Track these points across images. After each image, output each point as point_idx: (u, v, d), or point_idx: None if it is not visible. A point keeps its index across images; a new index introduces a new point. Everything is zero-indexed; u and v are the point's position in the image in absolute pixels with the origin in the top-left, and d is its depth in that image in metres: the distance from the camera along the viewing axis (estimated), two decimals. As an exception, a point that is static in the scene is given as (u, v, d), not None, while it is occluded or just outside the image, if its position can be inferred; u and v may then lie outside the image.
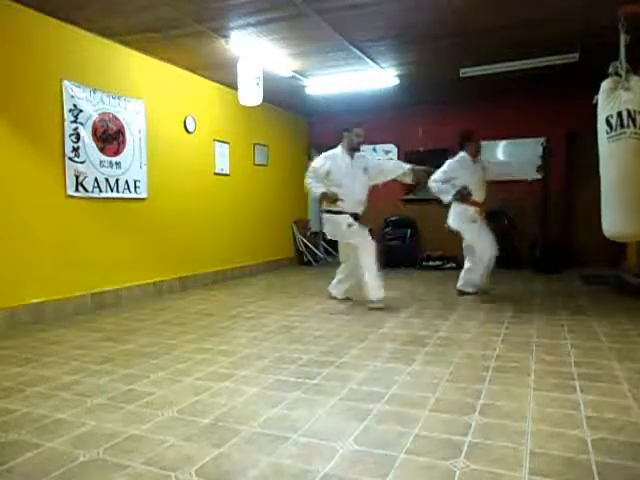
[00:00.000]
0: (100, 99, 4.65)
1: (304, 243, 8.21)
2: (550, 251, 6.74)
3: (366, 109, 7.66)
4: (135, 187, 5.06)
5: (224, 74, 5.87)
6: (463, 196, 4.79)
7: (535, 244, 6.85)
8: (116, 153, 4.83)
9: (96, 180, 4.60)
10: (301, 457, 1.80)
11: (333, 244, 8.40)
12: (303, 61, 5.52)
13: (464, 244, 5.13)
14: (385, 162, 5.08)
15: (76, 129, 4.41)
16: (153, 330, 3.81)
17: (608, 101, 2.95)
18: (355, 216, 4.56)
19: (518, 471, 1.68)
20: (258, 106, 5.47)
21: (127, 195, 4.96)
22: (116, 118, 4.82)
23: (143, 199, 5.18)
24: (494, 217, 5.92)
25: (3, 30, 3.87)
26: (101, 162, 4.65)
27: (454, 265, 7.21)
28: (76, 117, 4.41)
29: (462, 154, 4.97)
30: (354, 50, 5.08)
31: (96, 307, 4.60)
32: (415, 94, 7.10)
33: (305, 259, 8.21)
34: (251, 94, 5.06)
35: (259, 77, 5.06)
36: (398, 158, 8.02)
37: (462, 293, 5.13)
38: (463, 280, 5.15)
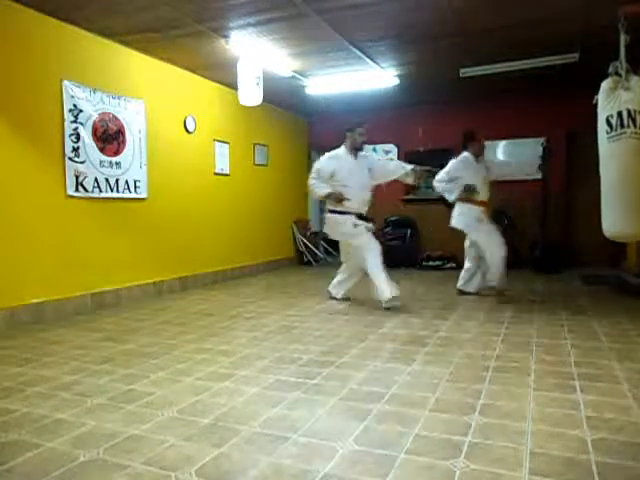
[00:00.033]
0: (100, 99, 4.65)
1: (304, 243, 8.21)
2: (550, 251, 6.74)
3: (366, 109, 7.67)
4: (135, 187, 5.06)
5: (224, 74, 5.87)
6: (468, 194, 4.77)
7: (535, 244, 6.85)
8: (116, 153, 4.83)
9: (96, 180, 4.60)
10: (301, 457, 1.80)
11: (333, 244, 8.40)
12: (303, 61, 5.52)
13: (466, 244, 5.12)
14: (387, 162, 5.06)
15: (76, 129, 4.42)
16: (153, 330, 3.81)
17: (608, 101, 2.95)
18: (360, 216, 4.54)
19: (518, 471, 1.68)
20: (258, 106, 5.47)
21: (127, 195, 4.96)
22: (116, 118, 4.83)
23: (143, 199, 5.18)
24: (494, 217, 5.91)
25: (3, 30, 3.87)
26: (101, 162, 4.65)
27: (454, 265, 7.22)
28: (76, 117, 4.41)
29: (465, 154, 4.97)
30: (354, 50, 5.08)
31: (96, 307, 4.60)
32: (415, 94, 7.10)
33: (305, 259, 8.21)
34: (251, 94, 5.06)
35: (259, 77, 5.06)
36: (398, 158, 8.01)
37: (462, 293, 5.14)
38: (463, 280, 5.16)
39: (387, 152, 8.08)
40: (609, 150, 2.97)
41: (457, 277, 5.25)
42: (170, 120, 5.61)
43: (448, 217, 5.12)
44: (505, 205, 7.00)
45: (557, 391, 2.43)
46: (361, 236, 4.47)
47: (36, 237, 4.10)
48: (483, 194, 4.91)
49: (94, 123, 4.59)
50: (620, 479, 1.63)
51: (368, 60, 5.43)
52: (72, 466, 1.77)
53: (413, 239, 7.75)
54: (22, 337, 3.62)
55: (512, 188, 6.87)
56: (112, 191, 4.77)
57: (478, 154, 4.99)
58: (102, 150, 4.67)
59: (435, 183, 4.97)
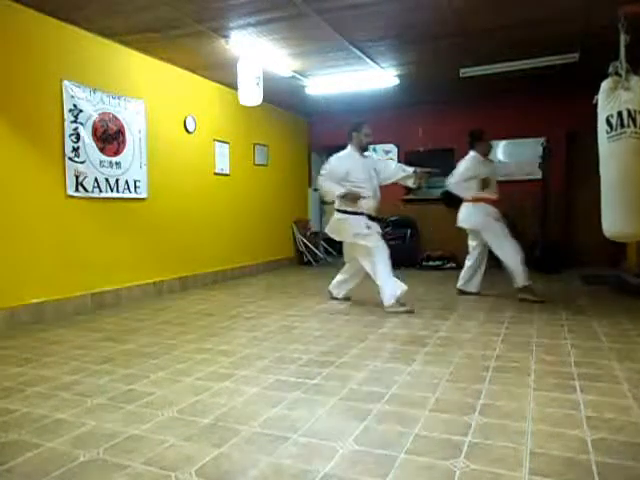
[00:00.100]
0: (100, 99, 4.65)
1: (304, 243, 8.21)
2: (550, 251, 6.74)
3: (366, 109, 7.67)
4: (135, 187, 5.06)
5: (224, 74, 5.87)
6: (485, 185, 4.77)
7: (535, 244, 6.85)
8: (116, 153, 4.83)
9: (96, 180, 4.60)
10: (301, 457, 1.80)
11: (333, 244, 8.42)
12: (303, 61, 5.52)
13: (472, 243, 5.08)
14: (389, 163, 5.04)
15: (76, 129, 4.42)
16: (153, 330, 3.81)
17: (608, 101, 2.95)
18: (370, 217, 4.49)
19: (518, 471, 1.68)
20: (258, 106, 5.47)
21: (127, 195, 4.96)
22: (116, 118, 4.83)
23: (143, 199, 5.18)
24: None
25: (3, 30, 3.87)
26: (101, 162, 4.66)
27: (454, 265, 7.22)
28: (76, 117, 4.41)
29: (473, 153, 4.96)
30: (354, 50, 5.08)
31: (96, 307, 4.60)
32: (415, 94, 7.11)
33: (305, 259, 8.21)
34: (251, 94, 5.06)
35: (259, 77, 5.06)
36: (398, 158, 8.03)
37: (462, 293, 5.14)
38: (463, 280, 5.16)
39: (387, 152, 8.09)
40: (609, 150, 2.97)
41: (457, 277, 5.25)
42: (170, 120, 5.61)
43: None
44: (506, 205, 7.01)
45: (557, 391, 2.43)
46: (371, 237, 4.40)
47: (36, 237, 4.10)
48: (494, 193, 4.90)
49: (94, 123, 4.59)
50: (620, 479, 1.63)
51: (368, 60, 5.43)
52: (72, 466, 1.77)
53: (413, 239, 7.75)
54: (22, 337, 3.62)
55: (512, 188, 6.87)
56: (112, 191, 4.77)
57: (486, 154, 4.99)
58: (102, 150, 4.67)
59: (451, 185, 4.95)
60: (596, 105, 3.04)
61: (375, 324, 3.92)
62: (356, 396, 2.39)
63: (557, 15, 4.23)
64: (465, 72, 5.73)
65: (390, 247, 4.52)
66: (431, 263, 7.51)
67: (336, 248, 8.46)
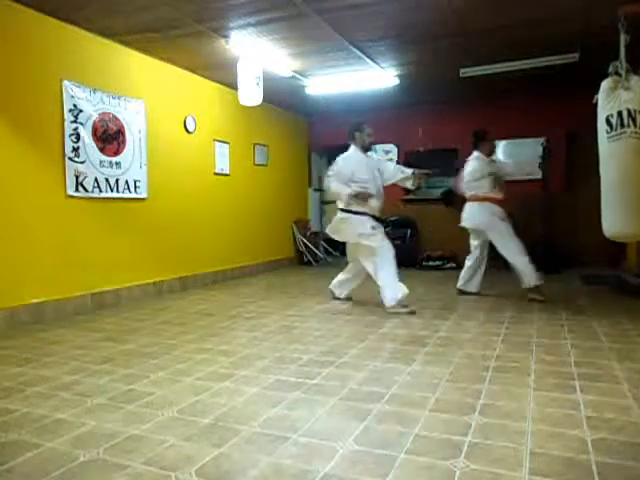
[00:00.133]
0: (100, 99, 4.65)
1: (304, 243, 8.21)
2: (550, 251, 6.74)
3: (366, 109, 7.67)
4: (135, 187, 5.06)
5: (224, 74, 5.87)
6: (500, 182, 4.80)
7: (535, 244, 6.84)
8: (116, 153, 4.83)
9: (96, 180, 4.60)
10: (301, 457, 1.80)
11: (333, 244, 8.43)
12: (303, 61, 5.52)
13: (474, 243, 5.07)
14: (388, 164, 5.03)
15: (76, 129, 4.42)
16: (153, 330, 3.81)
17: (608, 100, 2.95)
18: (374, 218, 4.46)
19: (518, 471, 1.68)
20: (258, 106, 5.47)
21: (127, 195, 4.96)
22: (116, 118, 4.83)
23: (143, 199, 5.18)
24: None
25: (3, 30, 3.87)
26: (101, 162, 4.66)
27: (454, 265, 7.22)
28: (76, 117, 4.41)
29: (477, 154, 4.96)
30: (354, 50, 5.08)
31: (96, 307, 4.60)
32: (415, 94, 7.11)
33: (305, 259, 8.21)
34: (251, 94, 5.06)
35: (259, 77, 5.06)
36: (398, 158, 8.04)
37: (462, 293, 5.14)
38: (463, 280, 5.15)
39: (387, 152, 8.09)
40: (609, 150, 2.97)
41: (457, 277, 5.25)
42: (170, 120, 5.61)
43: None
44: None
45: (557, 391, 2.43)
46: (376, 237, 4.38)
47: (36, 237, 4.10)
48: (499, 192, 4.89)
49: (94, 123, 4.59)
50: (620, 479, 1.63)
51: (368, 60, 5.43)
52: (72, 466, 1.77)
53: (413, 239, 7.75)
54: (22, 337, 3.62)
55: (512, 188, 6.86)
56: (112, 191, 4.77)
57: (489, 154, 4.99)
58: (102, 150, 4.67)
59: (465, 186, 4.94)
60: (596, 105, 3.04)
61: (375, 324, 3.91)
62: (356, 396, 2.39)
63: (557, 15, 4.23)
64: (465, 72, 5.73)
65: (391, 247, 4.50)
66: (431, 263, 7.51)
67: (336, 248, 8.48)
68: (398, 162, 7.71)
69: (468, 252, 5.16)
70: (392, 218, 7.87)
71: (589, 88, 3.30)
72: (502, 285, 5.55)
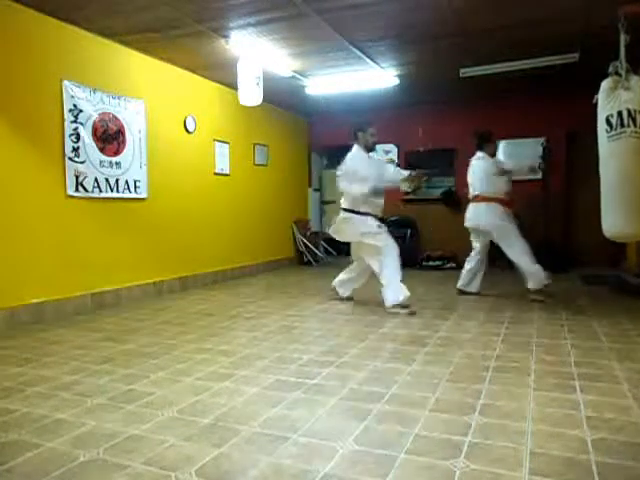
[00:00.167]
0: (100, 99, 4.65)
1: (304, 243, 8.21)
2: (550, 251, 6.73)
3: (366, 109, 7.67)
4: (135, 187, 5.06)
5: (224, 74, 5.87)
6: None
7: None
8: (116, 153, 4.83)
9: (96, 180, 4.60)
10: (301, 457, 1.80)
11: (333, 244, 8.43)
12: (303, 61, 5.52)
13: (477, 245, 5.05)
14: (388, 167, 5.02)
15: (76, 129, 4.42)
16: (153, 330, 3.81)
17: (608, 100, 2.95)
18: (377, 218, 4.46)
19: (518, 471, 1.68)
20: (258, 106, 5.47)
21: (127, 195, 4.96)
22: (116, 118, 4.83)
23: (143, 199, 5.18)
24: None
25: (3, 30, 3.87)
26: (101, 162, 4.66)
27: (454, 265, 7.22)
28: (76, 117, 4.41)
29: (482, 154, 4.95)
30: (354, 50, 5.08)
31: (96, 307, 4.60)
32: (415, 94, 7.10)
33: (305, 259, 8.21)
34: (251, 94, 5.06)
35: (259, 77, 5.06)
36: (398, 158, 8.05)
37: (462, 293, 5.14)
38: (464, 281, 5.15)
39: (387, 152, 8.09)
40: (609, 149, 2.97)
41: (457, 277, 5.24)
42: (170, 120, 5.61)
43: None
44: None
45: (557, 391, 2.43)
46: (381, 235, 4.38)
47: (36, 237, 4.10)
48: (504, 193, 4.88)
49: (94, 123, 4.59)
50: (620, 479, 1.63)
51: (368, 60, 5.43)
52: (72, 466, 1.77)
53: (413, 239, 7.75)
54: (22, 337, 3.62)
55: (514, 188, 6.86)
56: (112, 191, 4.77)
57: (493, 154, 4.99)
58: (102, 150, 4.67)
59: (470, 187, 4.94)
60: (596, 105, 3.04)
61: (375, 324, 3.91)
62: (356, 396, 2.39)
63: (557, 15, 4.23)
64: (465, 72, 5.73)
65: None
66: (431, 263, 7.51)
67: (336, 248, 8.48)
68: (398, 164, 7.72)
69: (468, 252, 5.16)
70: (392, 218, 7.85)
71: (589, 88, 3.30)
72: (502, 285, 5.55)
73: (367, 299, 4.80)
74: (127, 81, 4.98)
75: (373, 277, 4.53)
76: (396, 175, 4.67)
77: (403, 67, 5.79)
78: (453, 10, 4.10)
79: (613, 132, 2.91)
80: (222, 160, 6.50)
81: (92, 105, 4.57)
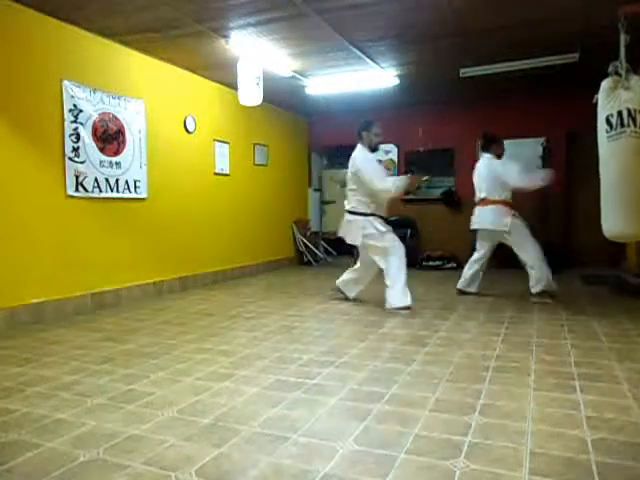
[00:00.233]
0: (100, 99, 4.65)
1: (304, 243, 8.21)
2: (550, 251, 6.73)
3: (366, 109, 7.66)
4: (135, 187, 5.06)
5: (224, 74, 5.87)
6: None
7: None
8: (116, 153, 4.83)
9: (96, 180, 4.60)
10: (301, 457, 1.80)
11: (333, 244, 8.43)
12: (303, 61, 5.52)
13: (481, 247, 5.04)
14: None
15: (76, 129, 4.42)
16: (153, 330, 3.81)
17: (608, 100, 2.95)
18: (381, 218, 4.46)
19: (518, 471, 1.68)
20: (258, 106, 5.47)
21: (127, 195, 4.96)
22: (116, 118, 4.83)
23: (143, 199, 5.18)
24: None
25: (3, 30, 3.87)
26: (101, 162, 4.66)
27: (454, 265, 7.22)
28: (76, 117, 4.41)
29: (489, 155, 4.94)
30: (354, 50, 5.08)
31: (96, 307, 4.60)
32: (415, 94, 7.10)
33: (305, 259, 8.21)
34: (251, 94, 5.06)
35: (259, 77, 5.05)
36: (398, 158, 8.04)
37: (462, 293, 5.13)
38: (464, 281, 5.14)
39: (387, 152, 8.09)
40: (609, 149, 2.97)
41: (457, 277, 5.24)
42: (170, 120, 5.61)
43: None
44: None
45: (557, 391, 2.43)
46: (387, 236, 4.38)
47: (36, 237, 4.10)
48: (509, 194, 4.85)
49: (94, 123, 4.59)
50: (620, 479, 1.63)
51: (368, 60, 5.43)
52: (72, 466, 1.77)
53: (413, 239, 7.74)
54: (22, 337, 3.62)
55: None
56: (112, 191, 4.77)
57: (500, 156, 4.98)
58: (102, 150, 4.67)
59: (477, 189, 4.93)
60: (596, 105, 3.04)
61: (375, 324, 3.91)
62: (356, 396, 2.39)
63: (557, 15, 4.23)
64: (465, 72, 5.73)
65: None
66: (431, 263, 7.51)
67: (336, 248, 8.48)
68: (398, 161, 7.71)
69: (468, 252, 5.15)
70: (392, 218, 7.82)
71: (589, 88, 3.31)
72: (502, 285, 5.55)
73: (367, 299, 4.80)
74: (127, 81, 4.98)
75: (373, 277, 4.52)
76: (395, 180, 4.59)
77: (403, 67, 5.79)
78: (453, 10, 4.10)
79: (613, 132, 2.91)
80: (222, 160, 6.50)
81: (92, 105, 4.57)
